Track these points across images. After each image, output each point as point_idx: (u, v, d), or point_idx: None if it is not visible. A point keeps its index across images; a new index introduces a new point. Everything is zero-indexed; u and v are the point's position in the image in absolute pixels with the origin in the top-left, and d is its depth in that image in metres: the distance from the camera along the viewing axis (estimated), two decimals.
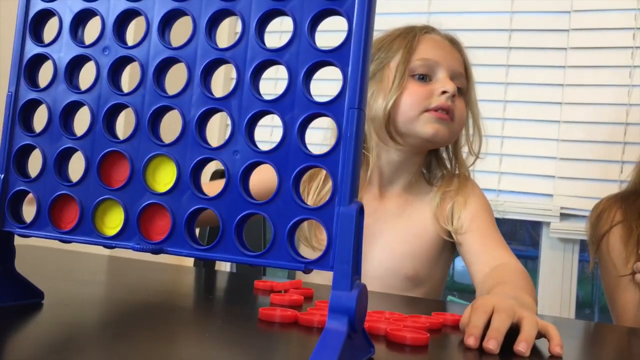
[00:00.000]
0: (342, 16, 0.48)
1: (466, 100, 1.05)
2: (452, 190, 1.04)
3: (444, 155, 1.10)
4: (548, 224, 1.53)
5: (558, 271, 1.54)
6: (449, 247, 1.05)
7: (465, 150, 1.09)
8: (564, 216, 1.51)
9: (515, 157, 1.56)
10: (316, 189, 1.03)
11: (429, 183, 1.08)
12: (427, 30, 1.05)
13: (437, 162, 1.10)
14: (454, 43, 1.06)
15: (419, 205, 1.05)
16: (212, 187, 0.53)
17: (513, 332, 0.59)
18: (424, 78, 1.00)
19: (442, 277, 1.07)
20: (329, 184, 1.02)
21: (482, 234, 0.99)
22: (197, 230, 0.70)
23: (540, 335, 0.61)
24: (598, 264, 1.13)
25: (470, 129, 1.08)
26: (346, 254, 0.46)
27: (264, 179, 0.58)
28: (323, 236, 1.01)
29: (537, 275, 1.57)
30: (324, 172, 1.01)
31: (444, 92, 0.98)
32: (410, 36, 1.03)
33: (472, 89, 1.06)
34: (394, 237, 1.03)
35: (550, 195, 1.52)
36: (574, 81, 1.52)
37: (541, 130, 1.55)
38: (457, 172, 1.08)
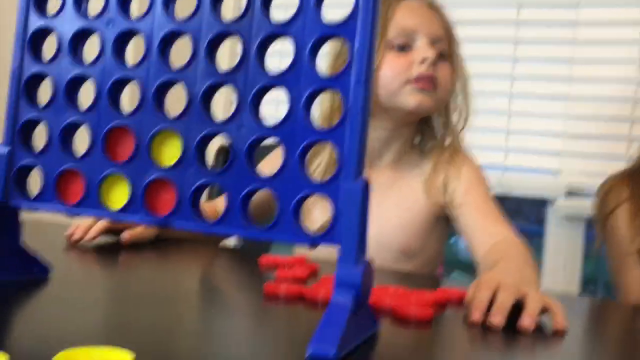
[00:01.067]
0: None
1: (452, 63, 1.00)
2: (443, 161, 1.01)
3: (436, 123, 1.05)
4: (554, 201, 1.53)
5: (563, 249, 1.53)
6: (443, 220, 1.03)
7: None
8: (570, 194, 1.50)
9: (522, 134, 1.55)
10: (318, 165, 1.01)
11: (420, 154, 1.05)
12: None
13: (428, 132, 1.06)
14: (432, 6, 1.02)
15: (410, 177, 1.02)
16: (211, 207, 0.52)
17: (517, 308, 0.59)
18: (404, 48, 0.96)
19: (437, 250, 1.05)
20: (333, 159, 1.01)
21: (479, 207, 0.97)
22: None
23: (545, 311, 0.61)
24: (604, 242, 1.12)
25: (459, 95, 1.03)
26: (352, 229, 0.46)
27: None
28: (314, 216, 1.01)
29: (542, 253, 1.57)
30: (328, 147, 1.01)
31: (424, 60, 0.94)
32: (384, 6, 0.98)
33: (456, 51, 1.01)
34: (385, 210, 1.01)
35: (557, 173, 1.52)
36: (583, 57, 1.50)
37: (549, 107, 1.53)
38: (448, 141, 1.04)
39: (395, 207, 1.01)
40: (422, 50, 0.95)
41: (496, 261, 0.79)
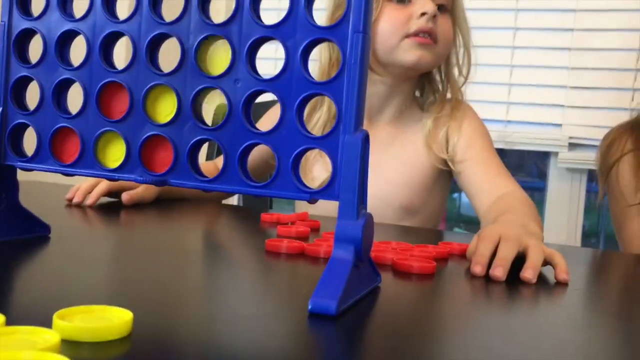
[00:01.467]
0: None
1: (453, 17, 0.98)
2: (444, 115, 0.99)
3: (437, 77, 1.04)
4: (556, 154, 1.52)
5: (565, 201, 1.53)
6: (445, 175, 1.02)
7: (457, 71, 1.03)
8: (572, 146, 1.49)
9: (524, 87, 1.53)
10: (317, 120, 1.00)
11: (421, 108, 1.03)
12: None
13: (429, 86, 1.04)
14: None
15: (411, 133, 1.01)
16: (209, 166, 0.51)
17: (519, 260, 0.59)
18: (402, 0, 0.94)
19: (439, 206, 1.05)
20: (332, 113, 0.99)
21: (481, 162, 0.95)
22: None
23: (546, 262, 0.61)
24: (607, 194, 1.12)
25: (460, 48, 1.01)
26: (352, 183, 0.45)
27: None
28: (314, 175, 1.00)
29: (544, 207, 1.57)
30: (326, 102, 0.99)
31: (423, 14, 0.91)
32: None
33: (458, 3, 0.98)
34: (386, 166, 1.00)
35: (559, 125, 1.51)
36: (587, 6, 1.47)
37: (551, 58, 1.51)
38: (449, 95, 1.03)
39: (396, 163, 1.00)
40: (422, 3, 0.92)
41: (499, 215, 0.78)
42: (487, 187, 0.92)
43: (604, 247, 1.99)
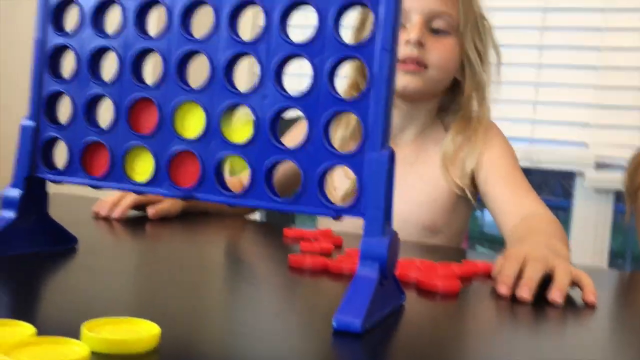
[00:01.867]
0: None
1: (459, 36, 0.95)
2: (467, 135, 0.98)
3: (462, 94, 1.00)
4: (582, 174, 1.50)
5: (591, 222, 1.51)
6: (470, 191, 1.01)
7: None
8: (599, 166, 1.47)
9: (550, 105, 1.52)
10: (335, 136, 0.99)
11: (444, 127, 1.02)
12: None
13: (452, 104, 1.02)
14: None
15: (433, 152, 1.00)
16: (234, 182, 0.51)
17: (546, 281, 0.59)
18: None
19: (462, 225, 1.04)
20: (351, 129, 0.99)
21: (507, 181, 0.94)
22: None
23: (574, 284, 0.60)
24: (634, 215, 1.10)
25: (477, 66, 0.98)
26: (378, 200, 0.45)
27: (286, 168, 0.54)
28: (335, 184, 0.99)
29: (569, 227, 1.55)
30: (350, 117, 0.99)
31: (407, 42, 0.91)
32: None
33: (469, 23, 0.96)
34: (409, 185, 0.99)
35: (586, 144, 1.49)
36: (613, 25, 1.46)
37: (578, 77, 1.50)
38: (472, 113, 1.00)
39: (419, 183, 1.00)
40: (409, 30, 0.92)
41: (524, 235, 0.77)
42: (512, 207, 0.90)
43: (631, 268, 1.96)
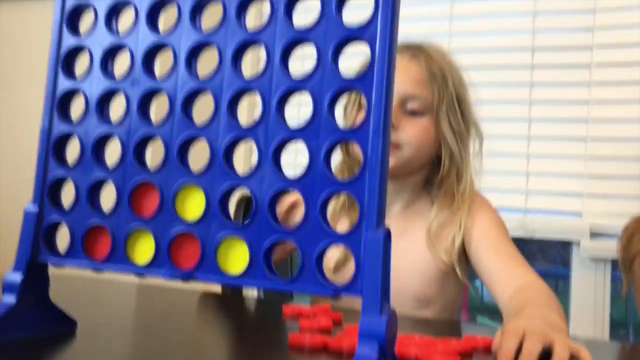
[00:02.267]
0: (365, 43, 0.49)
1: (436, 117, 0.98)
2: (451, 210, 0.99)
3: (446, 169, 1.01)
4: (578, 243, 1.51)
5: (590, 291, 1.51)
6: (462, 265, 1.01)
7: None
8: (594, 235, 1.48)
9: (542, 176, 1.55)
10: (331, 208, 1.01)
11: (431, 200, 1.03)
12: None
13: (437, 178, 1.02)
14: (415, 56, 0.99)
15: (421, 225, 1.01)
16: None
17: (545, 355, 0.59)
18: None
19: (455, 296, 1.03)
20: (340, 203, 1.01)
21: (498, 251, 0.95)
22: None
23: (573, 358, 0.60)
24: (632, 285, 1.10)
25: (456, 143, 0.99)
26: (375, 279, 0.46)
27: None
28: (327, 253, 0.99)
29: (569, 295, 1.54)
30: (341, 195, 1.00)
31: None
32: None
33: (442, 102, 0.98)
34: (397, 257, 0.98)
35: (580, 214, 1.50)
36: (600, 98, 1.51)
37: (567, 148, 1.53)
38: (460, 186, 1.01)
39: (408, 255, 1.00)
40: None
41: (521, 307, 0.78)
42: (505, 277, 0.91)
43: (634, 339, 1.93)
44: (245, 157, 1.74)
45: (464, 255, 0.99)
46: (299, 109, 1.57)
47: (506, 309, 0.86)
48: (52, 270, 0.59)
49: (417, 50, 1.01)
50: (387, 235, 0.47)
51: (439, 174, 1.02)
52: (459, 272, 0.97)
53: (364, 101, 0.96)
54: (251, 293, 1.53)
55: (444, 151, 1.00)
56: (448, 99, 0.99)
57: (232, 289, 1.20)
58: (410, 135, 0.97)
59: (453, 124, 0.99)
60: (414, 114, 0.98)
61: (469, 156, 1.02)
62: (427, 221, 1.00)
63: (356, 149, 0.95)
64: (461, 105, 1.01)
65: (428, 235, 0.99)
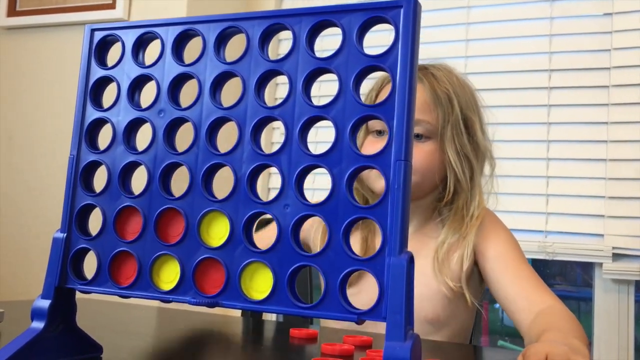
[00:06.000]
0: (386, 72, 0.50)
1: (441, 138, 0.96)
2: (461, 233, 0.97)
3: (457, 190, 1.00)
4: (600, 264, 1.49)
5: (614, 313, 1.49)
6: (473, 288, 1.01)
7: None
8: (616, 256, 1.47)
9: (562, 197, 1.54)
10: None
11: (442, 222, 1.02)
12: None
13: (448, 201, 1.00)
14: (419, 79, 0.96)
15: (433, 246, 0.99)
16: (259, 238, 0.53)
17: None
18: (381, 133, 0.97)
19: (468, 318, 1.01)
20: (360, 229, 1.01)
21: (516, 276, 0.92)
22: None
23: None
24: None
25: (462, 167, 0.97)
26: (398, 304, 0.46)
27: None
28: None
29: (592, 318, 1.53)
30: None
31: None
32: (374, 89, 1.00)
33: (447, 126, 0.96)
34: None
35: (601, 235, 1.49)
36: (619, 119, 1.50)
37: (587, 169, 1.53)
38: (468, 208, 0.99)
39: (420, 277, 0.98)
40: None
41: (542, 332, 0.77)
42: (526, 304, 0.88)
43: None
44: (262, 182, 1.75)
45: (477, 276, 0.98)
46: (316, 132, 1.59)
47: (528, 335, 0.84)
48: (78, 294, 0.60)
49: (421, 73, 0.99)
50: (410, 260, 0.47)
51: (446, 197, 1.01)
52: (467, 297, 0.96)
53: (371, 125, 0.98)
54: (270, 316, 1.53)
55: (449, 174, 0.98)
56: (454, 122, 0.97)
57: (252, 313, 1.20)
58: (414, 160, 0.96)
59: (459, 146, 0.98)
60: (419, 138, 0.97)
61: (478, 178, 1.00)
62: (436, 245, 0.99)
63: (371, 176, 0.96)
64: (468, 127, 0.99)
65: (435, 260, 0.98)
